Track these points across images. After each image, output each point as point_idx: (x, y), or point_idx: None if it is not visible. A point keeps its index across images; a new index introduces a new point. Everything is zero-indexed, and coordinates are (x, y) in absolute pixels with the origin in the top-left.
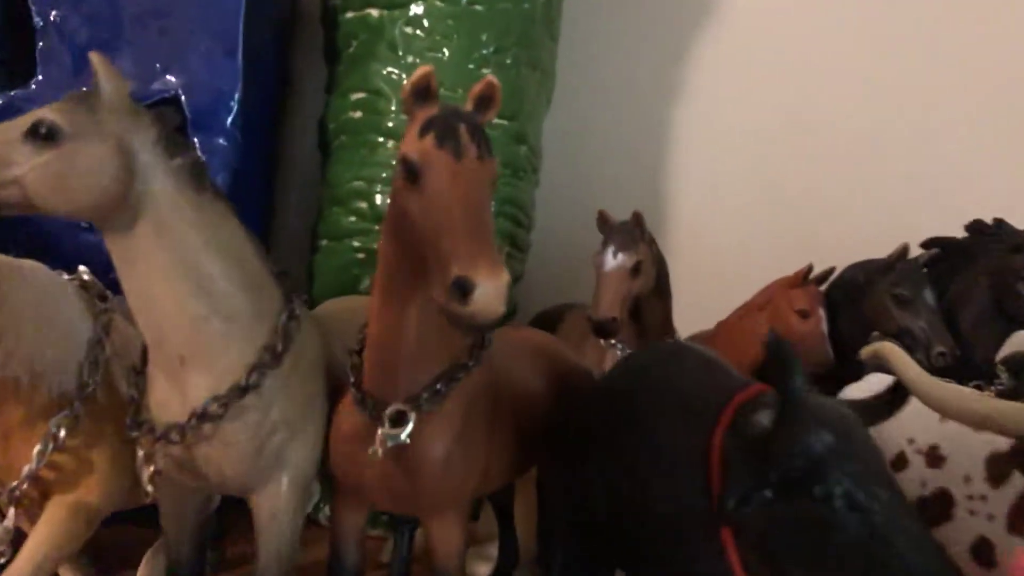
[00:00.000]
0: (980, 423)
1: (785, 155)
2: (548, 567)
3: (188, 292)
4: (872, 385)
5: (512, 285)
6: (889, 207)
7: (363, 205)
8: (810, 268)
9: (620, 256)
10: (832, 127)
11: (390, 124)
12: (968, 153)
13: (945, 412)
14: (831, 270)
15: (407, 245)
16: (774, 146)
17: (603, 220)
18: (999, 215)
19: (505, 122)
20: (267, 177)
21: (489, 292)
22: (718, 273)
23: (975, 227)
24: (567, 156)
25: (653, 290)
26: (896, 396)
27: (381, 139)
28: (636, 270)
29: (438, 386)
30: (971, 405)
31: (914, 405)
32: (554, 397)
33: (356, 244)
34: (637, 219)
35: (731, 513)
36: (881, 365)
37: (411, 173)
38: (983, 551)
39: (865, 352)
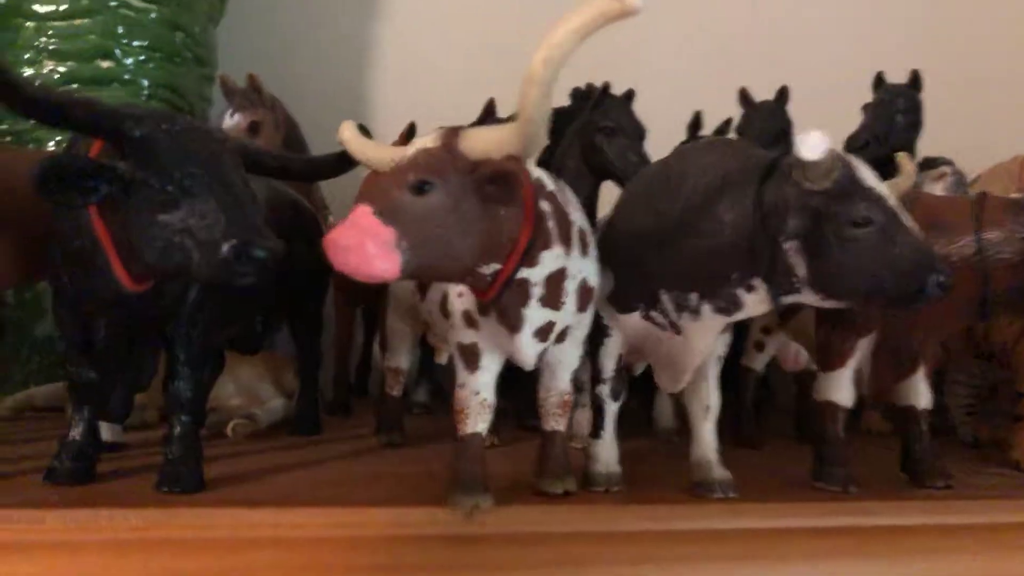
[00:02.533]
0: None
1: None
2: None
3: None
4: None
5: None
6: None
7: None
8: (411, 127)
9: (236, 116)
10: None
11: None
12: None
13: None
14: None
15: None
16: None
17: (224, 85)
18: None
19: (153, 7)
20: None
21: None
22: None
23: (575, 93)
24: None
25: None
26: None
27: None
28: (253, 130)
29: None
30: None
31: None
32: None
33: None
34: (252, 81)
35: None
36: None
37: None
38: None
39: None
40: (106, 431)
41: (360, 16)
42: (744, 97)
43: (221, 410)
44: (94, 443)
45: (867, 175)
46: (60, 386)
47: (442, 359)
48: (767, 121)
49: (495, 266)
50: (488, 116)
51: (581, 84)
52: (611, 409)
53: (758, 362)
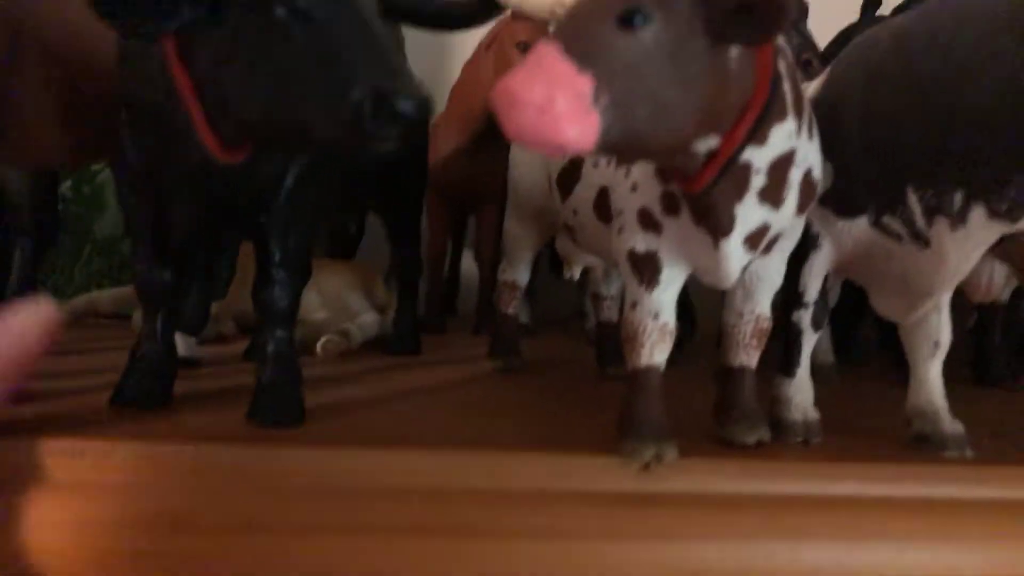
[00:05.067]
0: None
1: None
2: None
3: None
4: None
5: None
6: None
7: None
8: None
9: None
10: None
11: None
12: None
13: None
14: None
15: None
16: None
17: None
18: None
19: None
20: None
21: None
22: None
23: None
24: None
25: None
26: None
27: None
28: None
29: None
30: None
31: None
32: None
33: None
34: None
35: None
36: None
37: None
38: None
39: None
40: (180, 344)
41: None
42: None
43: (305, 324)
44: (170, 359)
45: None
46: (127, 290)
47: (573, 273)
48: None
49: (713, 141)
50: None
51: None
52: (809, 341)
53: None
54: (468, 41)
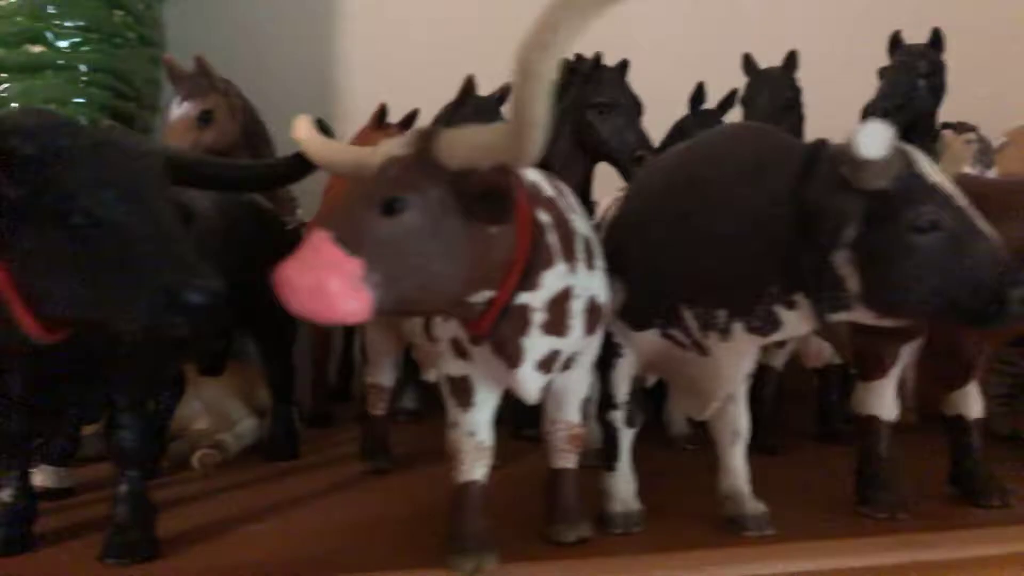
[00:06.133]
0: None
1: None
2: None
3: None
4: None
5: None
6: None
7: None
8: (382, 108)
9: (185, 104)
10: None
11: None
12: None
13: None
14: (414, 112)
15: None
16: None
17: (170, 69)
18: None
19: None
20: None
21: None
22: None
23: (564, 65)
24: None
25: (240, 141)
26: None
27: None
28: (205, 119)
29: None
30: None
31: None
32: None
33: None
34: (200, 64)
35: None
36: None
37: None
38: None
39: None
40: (48, 476)
41: None
42: (748, 64)
43: (186, 436)
44: (29, 503)
45: (928, 169)
46: None
47: (429, 376)
48: (775, 90)
49: (488, 293)
50: (467, 96)
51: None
52: (626, 437)
53: (778, 359)
54: None
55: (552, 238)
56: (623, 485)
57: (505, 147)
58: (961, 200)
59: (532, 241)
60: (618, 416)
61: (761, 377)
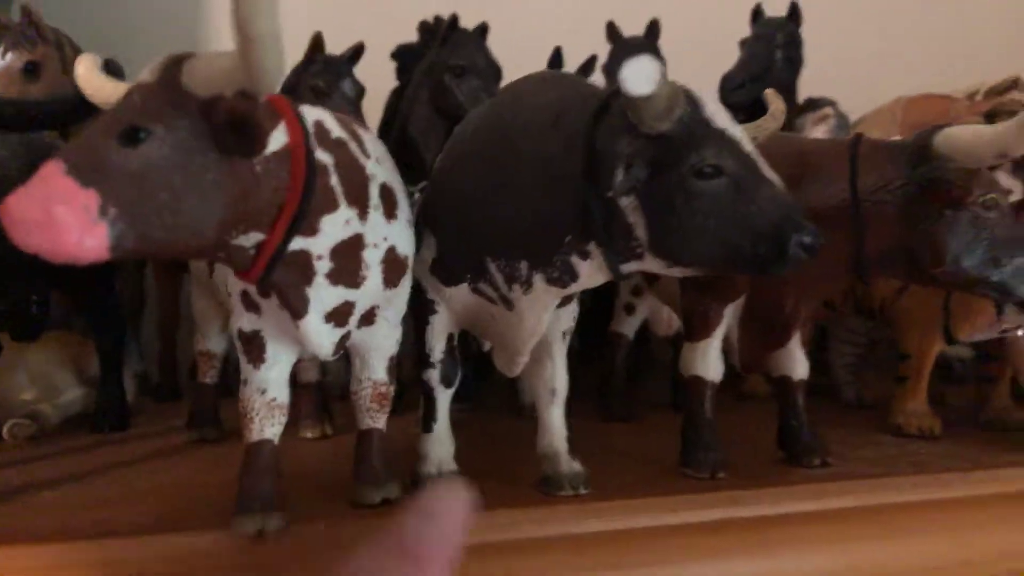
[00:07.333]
0: None
1: None
2: None
3: None
4: None
5: None
6: None
7: None
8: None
9: (8, 55)
10: None
11: None
12: None
13: None
14: None
15: None
16: None
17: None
18: None
19: None
20: None
21: None
22: None
23: (423, 27)
24: None
25: (78, 95)
26: None
27: None
28: (31, 71)
29: None
30: None
31: None
32: None
33: None
34: (26, 14)
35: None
36: None
37: None
38: None
39: None
40: None
41: None
42: (612, 31)
43: (10, 406)
44: None
45: (718, 113)
46: None
47: None
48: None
49: (257, 236)
50: (315, 53)
51: (429, 16)
52: (443, 397)
53: (628, 327)
54: None
55: (334, 180)
56: (438, 447)
57: (236, 68)
58: (748, 146)
59: (305, 181)
60: (434, 375)
61: (613, 345)
